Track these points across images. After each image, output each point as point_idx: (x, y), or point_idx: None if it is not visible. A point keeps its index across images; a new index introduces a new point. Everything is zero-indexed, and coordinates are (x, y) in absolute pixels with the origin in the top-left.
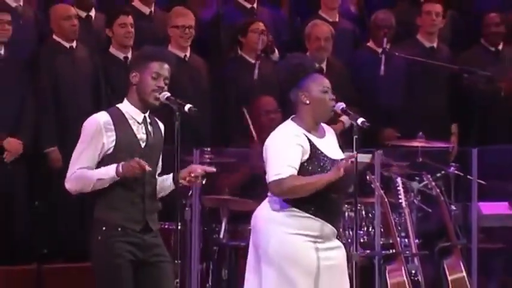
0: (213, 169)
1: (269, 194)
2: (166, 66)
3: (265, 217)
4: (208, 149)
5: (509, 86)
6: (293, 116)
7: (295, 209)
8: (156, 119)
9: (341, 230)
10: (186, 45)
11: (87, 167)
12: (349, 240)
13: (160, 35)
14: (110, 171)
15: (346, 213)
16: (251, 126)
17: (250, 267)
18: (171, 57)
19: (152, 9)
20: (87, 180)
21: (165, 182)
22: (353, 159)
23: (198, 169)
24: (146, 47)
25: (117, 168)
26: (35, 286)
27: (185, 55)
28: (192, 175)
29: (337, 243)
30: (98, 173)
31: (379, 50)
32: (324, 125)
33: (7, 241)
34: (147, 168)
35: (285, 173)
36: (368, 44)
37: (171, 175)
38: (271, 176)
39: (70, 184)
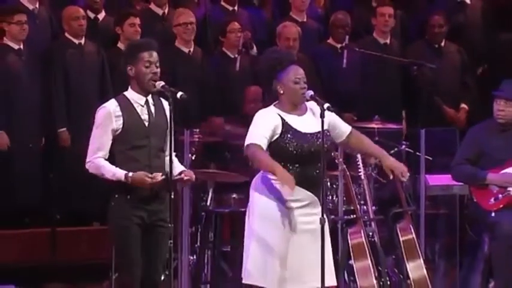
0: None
1: None
2: (154, 53)
3: (255, 185)
4: (197, 130)
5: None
6: (275, 102)
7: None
8: (161, 99)
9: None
10: (190, 39)
11: (103, 152)
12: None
13: (172, 33)
14: (117, 175)
15: None
16: None
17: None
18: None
19: (165, 10)
20: (99, 173)
21: (175, 169)
22: None
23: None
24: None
25: (125, 176)
26: (49, 246)
27: (189, 50)
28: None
29: (317, 210)
30: (107, 172)
31: (338, 46)
32: (309, 105)
33: (25, 208)
34: (159, 178)
35: (253, 140)
36: (328, 40)
37: (180, 169)
38: (247, 140)
39: (89, 168)
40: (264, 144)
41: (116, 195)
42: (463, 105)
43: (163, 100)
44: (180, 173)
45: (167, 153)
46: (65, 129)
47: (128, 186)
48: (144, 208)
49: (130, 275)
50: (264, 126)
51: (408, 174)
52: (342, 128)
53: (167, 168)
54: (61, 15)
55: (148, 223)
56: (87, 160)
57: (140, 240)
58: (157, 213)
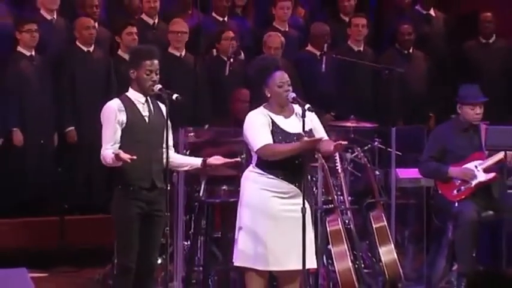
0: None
1: (252, 160)
2: (155, 61)
3: (245, 176)
4: (191, 128)
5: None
6: (265, 104)
7: (265, 172)
8: (158, 102)
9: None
10: (181, 46)
11: (111, 142)
12: None
13: (161, 40)
14: (109, 157)
15: None
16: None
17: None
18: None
19: (155, 21)
20: (105, 162)
21: (189, 161)
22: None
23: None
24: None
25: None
26: (58, 233)
27: (180, 54)
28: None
29: (299, 201)
30: (107, 157)
31: (317, 53)
32: (296, 108)
33: (36, 198)
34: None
35: (262, 142)
36: (307, 48)
37: (196, 161)
38: (258, 144)
39: (102, 160)
40: (271, 140)
41: (119, 187)
42: (431, 114)
43: (160, 103)
44: (203, 161)
45: (170, 144)
46: (72, 128)
47: (129, 180)
48: (143, 199)
49: (128, 258)
50: (262, 127)
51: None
52: (320, 134)
53: (178, 168)
54: (74, 24)
55: (147, 212)
56: (101, 151)
57: (139, 228)
58: (155, 203)
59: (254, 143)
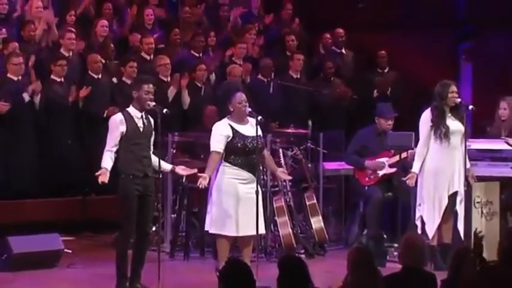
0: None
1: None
2: (151, 85)
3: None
4: (177, 133)
5: (338, 97)
6: (229, 115)
7: (229, 164)
8: (149, 116)
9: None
10: (167, 74)
11: (113, 146)
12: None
13: (155, 71)
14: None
15: None
16: None
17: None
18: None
19: (151, 56)
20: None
21: (163, 165)
22: None
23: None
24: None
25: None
26: (81, 211)
27: (167, 79)
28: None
29: (254, 185)
30: (103, 161)
31: (265, 80)
32: (250, 119)
33: (63, 180)
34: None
35: (213, 148)
36: (258, 76)
37: (168, 167)
38: (211, 147)
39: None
40: (221, 149)
41: (122, 176)
42: None
43: (150, 117)
44: (173, 167)
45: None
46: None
47: (128, 171)
48: (140, 184)
49: (129, 226)
50: (217, 137)
51: (289, 177)
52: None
53: (154, 159)
54: (86, 59)
55: (142, 193)
56: (105, 149)
57: (136, 205)
58: (148, 187)
59: (211, 146)
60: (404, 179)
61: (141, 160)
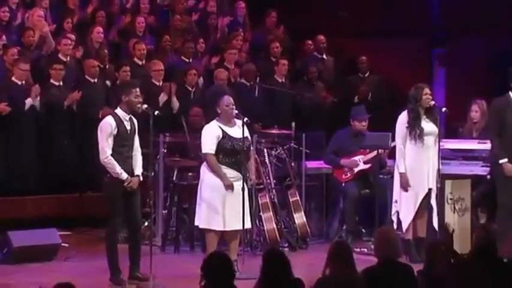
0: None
1: None
2: (138, 89)
3: (203, 167)
4: (168, 134)
5: (320, 100)
6: (217, 118)
7: (220, 164)
8: (133, 117)
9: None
10: (160, 79)
11: (110, 149)
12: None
13: (147, 76)
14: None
15: None
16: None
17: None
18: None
19: (143, 62)
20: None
21: (135, 169)
22: None
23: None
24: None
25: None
26: (78, 207)
27: (160, 83)
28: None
29: (241, 183)
30: (119, 168)
31: (249, 84)
32: (236, 120)
33: (61, 178)
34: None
35: (208, 150)
36: (241, 80)
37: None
38: (203, 150)
39: (105, 165)
40: (213, 150)
41: (108, 175)
42: None
43: (134, 119)
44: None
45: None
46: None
47: None
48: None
49: (115, 221)
50: (210, 138)
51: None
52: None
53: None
54: (83, 64)
55: (127, 191)
56: (104, 156)
57: (123, 203)
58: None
59: (203, 147)
60: (398, 182)
61: (125, 160)
